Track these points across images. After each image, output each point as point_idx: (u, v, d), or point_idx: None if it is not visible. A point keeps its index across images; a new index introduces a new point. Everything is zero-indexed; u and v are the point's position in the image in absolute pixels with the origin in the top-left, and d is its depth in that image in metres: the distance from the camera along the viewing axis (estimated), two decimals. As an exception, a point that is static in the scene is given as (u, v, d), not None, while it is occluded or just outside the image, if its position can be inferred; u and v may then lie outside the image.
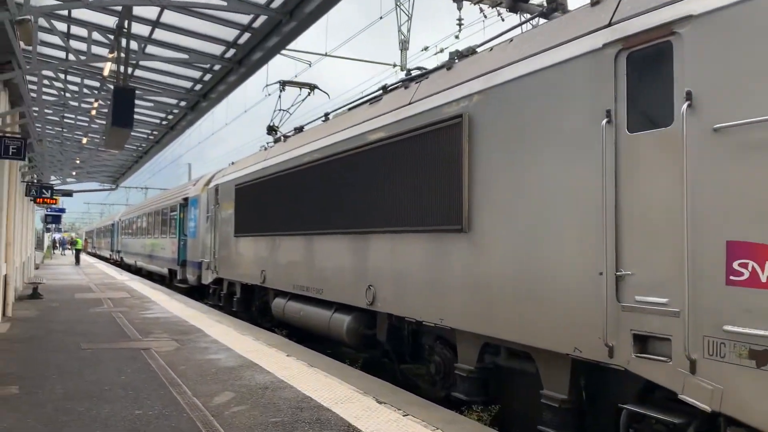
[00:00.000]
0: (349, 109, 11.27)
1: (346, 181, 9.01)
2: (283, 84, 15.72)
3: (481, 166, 6.15)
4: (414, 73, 8.82)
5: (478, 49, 7.26)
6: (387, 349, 8.43)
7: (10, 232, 12.78)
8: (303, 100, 16.06)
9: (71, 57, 8.90)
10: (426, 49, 18.65)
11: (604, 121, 4.74)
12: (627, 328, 4.54)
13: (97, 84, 11.69)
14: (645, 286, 4.45)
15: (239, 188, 14.32)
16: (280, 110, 16.10)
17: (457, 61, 7.34)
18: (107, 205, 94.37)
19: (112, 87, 11.29)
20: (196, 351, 9.47)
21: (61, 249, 66.06)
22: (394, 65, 16.20)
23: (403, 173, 7.53)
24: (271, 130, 16.22)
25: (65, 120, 14.82)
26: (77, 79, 11.23)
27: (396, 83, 9.01)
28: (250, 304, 14.52)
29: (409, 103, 7.67)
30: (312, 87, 15.88)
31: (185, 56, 8.77)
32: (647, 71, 4.56)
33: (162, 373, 7.94)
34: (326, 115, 11.93)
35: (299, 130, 13.06)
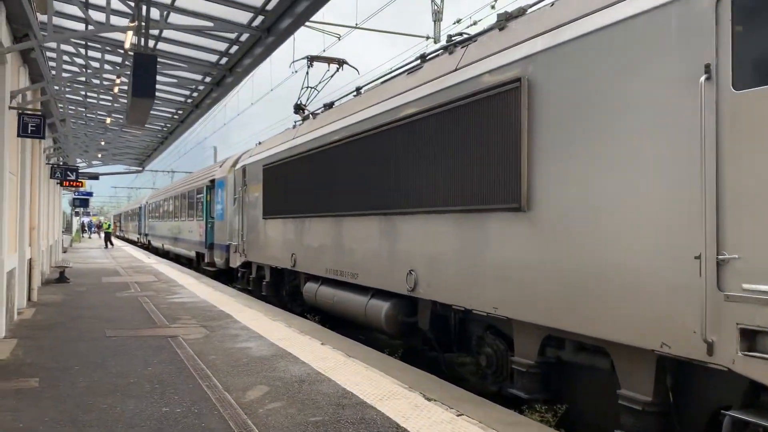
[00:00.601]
0: (383, 82, 10.60)
1: (383, 158, 8.36)
2: (311, 59, 15.07)
3: (544, 136, 5.45)
4: (457, 39, 8.11)
5: (531, 10, 6.52)
6: (429, 338, 7.82)
7: (34, 216, 12.40)
8: (331, 77, 15.39)
9: (90, 28, 8.33)
10: (459, 21, 17.81)
11: (703, 78, 4.01)
12: (732, 321, 3.84)
13: (118, 59, 11.14)
14: (755, 272, 3.75)
15: (267, 169, 13.76)
16: (307, 87, 15.46)
17: (508, 22, 6.60)
18: (134, 188, 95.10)
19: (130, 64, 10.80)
20: (226, 339, 8.96)
21: (89, 232, 66.69)
22: (427, 37, 15.41)
23: (448, 147, 6.85)
24: (299, 108, 15.60)
25: (88, 99, 14.35)
26: (98, 54, 10.70)
27: (438, 49, 8.31)
28: (280, 288, 14.03)
29: (455, 70, 6.97)
30: (341, 62, 15.20)
31: (210, 24, 8.17)
32: (760, 15, 3.81)
33: (190, 363, 7.43)
34: (358, 89, 11.27)
35: (329, 106, 12.42)
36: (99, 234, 66.58)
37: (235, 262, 17.09)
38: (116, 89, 11.95)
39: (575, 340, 5.31)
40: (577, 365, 5.47)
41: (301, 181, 11.47)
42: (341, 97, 12.92)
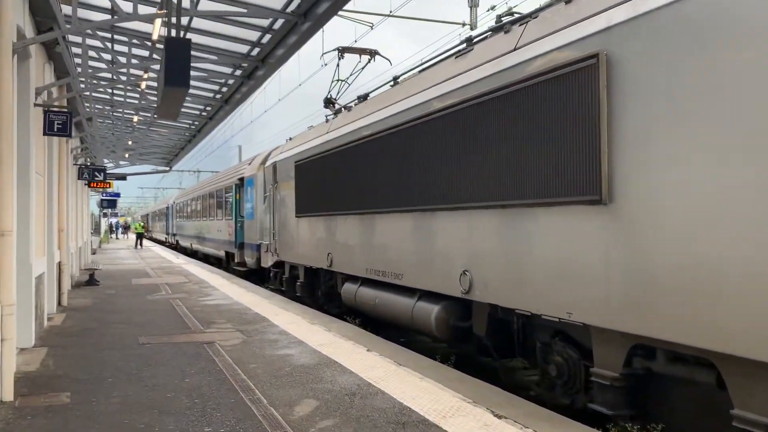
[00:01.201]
0: (421, 70, 10.00)
1: (430, 149, 7.76)
2: (342, 51, 14.50)
3: (628, 118, 4.79)
4: (508, 19, 7.47)
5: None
6: (486, 344, 7.20)
7: (62, 218, 12.03)
8: (363, 68, 14.82)
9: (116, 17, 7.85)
10: (493, 8, 17.12)
11: None
12: None
13: (146, 53, 10.67)
14: None
15: (299, 165, 13.23)
16: (338, 80, 14.91)
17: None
18: (160, 189, 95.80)
19: (159, 59, 10.33)
20: (265, 345, 8.45)
21: (117, 233, 67.13)
22: (463, 24, 14.74)
23: (507, 134, 6.22)
24: (329, 102, 15.06)
25: (114, 97, 13.94)
26: (124, 48, 10.24)
27: (486, 31, 7.67)
28: (315, 289, 13.51)
29: (515, 49, 6.33)
30: (373, 53, 14.60)
31: (243, 10, 7.64)
32: None
33: (230, 373, 6.92)
34: (395, 78, 10.68)
35: (363, 98, 11.84)
36: (126, 235, 67.07)
37: (267, 262, 16.62)
38: (143, 85, 11.50)
39: (669, 350, 4.66)
40: (672, 378, 4.81)
41: (338, 177, 10.91)
42: (375, 89, 12.36)
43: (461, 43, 8.43)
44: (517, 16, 7.14)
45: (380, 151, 9.18)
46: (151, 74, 10.89)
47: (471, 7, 14.06)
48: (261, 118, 34.13)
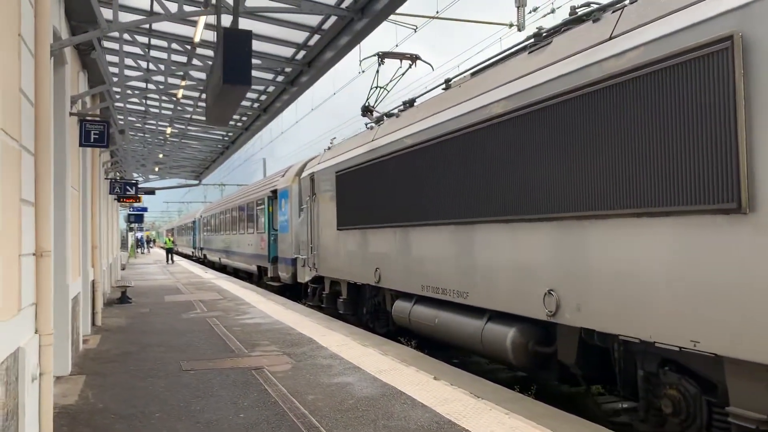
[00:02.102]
0: (474, 73, 9.30)
1: (503, 154, 7.02)
2: (383, 56, 13.87)
3: (778, 110, 4.01)
4: (584, 10, 6.73)
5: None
6: (575, 373, 6.40)
7: (95, 234, 11.48)
8: (403, 74, 14.16)
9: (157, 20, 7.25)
10: (535, 10, 16.38)
11: None
12: None
13: (184, 59, 10.10)
14: None
15: (341, 175, 12.55)
16: (376, 87, 14.27)
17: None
18: (185, 203, 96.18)
19: (199, 64, 9.73)
20: (319, 371, 7.72)
21: (143, 248, 67.06)
22: (510, 25, 14.02)
23: (603, 134, 5.47)
24: (367, 110, 14.42)
25: (149, 108, 13.41)
26: (162, 55, 9.66)
27: (564, 23, 6.94)
28: (358, 306, 12.79)
29: (609, 39, 5.58)
30: (414, 58, 13.95)
31: (295, 6, 6.99)
32: None
33: (287, 406, 6.20)
34: (447, 81, 9.98)
35: (409, 104, 11.15)
36: (148, 250, 66.95)
37: (304, 277, 15.94)
38: (180, 93, 10.94)
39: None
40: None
41: (387, 187, 10.20)
42: (423, 93, 11.69)
43: (529, 38, 7.72)
44: (605, 3, 6.39)
45: (438, 157, 8.46)
46: (190, 81, 10.31)
47: (518, 7, 13.33)
48: (283, 134, 33.52)
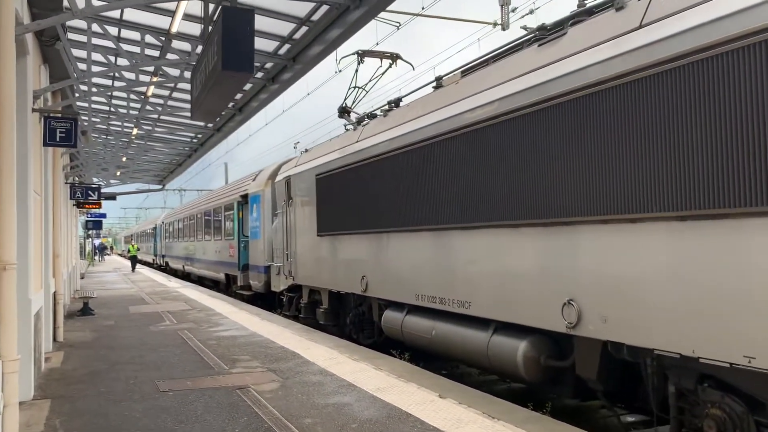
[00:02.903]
0: (464, 71, 8.86)
1: (516, 153, 6.55)
2: (362, 54, 13.34)
3: None
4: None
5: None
6: (594, 388, 5.95)
7: (57, 242, 10.62)
8: (383, 74, 13.65)
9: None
10: (514, 11, 16.06)
11: None
12: None
13: (156, 53, 9.37)
14: None
15: (322, 178, 11.95)
16: (354, 87, 13.73)
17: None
18: (144, 209, 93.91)
19: (175, 58, 9.03)
20: (311, 390, 7.11)
21: (99, 256, 64.86)
22: (495, 24, 13.64)
23: (634, 129, 5.04)
24: (344, 111, 13.88)
25: (117, 108, 12.54)
26: (135, 49, 8.93)
27: (573, 15, 6.52)
28: (339, 316, 12.19)
29: (639, 27, 5.15)
30: (395, 57, 13.46)
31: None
32: None
33: (284, 433, 5.59)
34: (438, 79, 9.51)
35: (395, 103, 10.65)
36: (102, 257, 64.64)
37: (279, 285, 15.25)
38: (150, 91, 10.19)
39: None
40: None
41: (375, 190, 9.65)
42: (409, 93, 11.21)
43: (532, 32, 7.29)
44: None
45: (437, 157, 7.96)
46: (161, 78, 9.58)
47: (502, 6, 12.95)
48: (243, 137, 32.59)
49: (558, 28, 6.76)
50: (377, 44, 13.82)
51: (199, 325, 13.05)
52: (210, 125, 14.03)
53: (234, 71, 4.18)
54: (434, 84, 9.62)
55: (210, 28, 5.05)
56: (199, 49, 8.79)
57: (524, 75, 6.47)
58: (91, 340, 11.37)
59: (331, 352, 9.42)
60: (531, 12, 15.93)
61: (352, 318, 11.30)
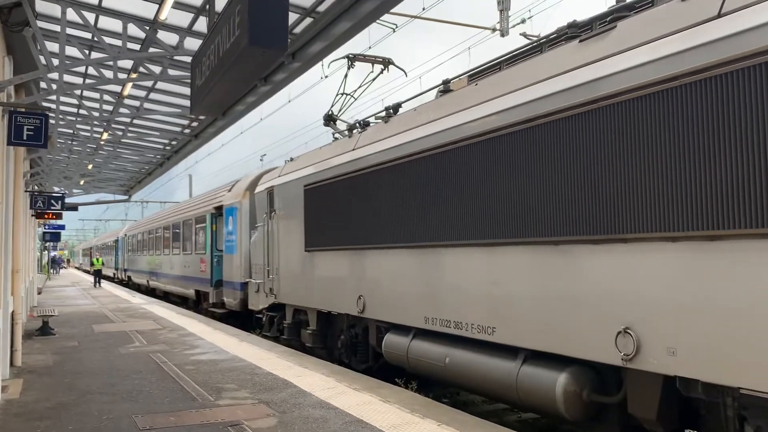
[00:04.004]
0: (472, 76, 8.23)
1: (546, 161, 5.84)
2: (353, 59, 12.60)
3: None
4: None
5: None
6: (650, 429, 5.21)
7: (18, 257, 9.52)
8: (373, 80, 12.94)
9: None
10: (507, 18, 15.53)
11: None
12: None
13: (137, 47, 8.43)
14: None
15: (311, 189, 11.10)
16: (343, 94, 12.99)
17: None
18: (104, 221, 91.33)
19: (159, 51, 8.13)
20: (315, 428, 6.22)
21: (56, 269, 62.29)
22: (494, 30, 13.05)
23: (715, 131, 4.38)
24: (330, 119, 13.12)
25: (90, 111, 11.44)
26: (117, 41, 7.99)
27: (613, 9, 5.91)
28: (328, 338, 11.30)
29: (718, 16, 4.50)
30: (387, 62, 12.77)
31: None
32: None
33: (296, 485, 4.70)
34: (445, 82, 8.83)
35: (394, 110, 9.90)
36: (57, 271, 62.04)
37: (258, 304, 14.26)
38: (127, 89, 9.23)
39: None
40: None
41: (378, 202, 8.84)
42: (408, 99, 10.53)
43: (562, 30, 6.66)
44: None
45: (455, 165, 7.20)
46: (148, 66, 8.63)
47: (501, 11, 12.37)
48: (204, 150, 31.47)
49: (600, 22, 6.14)
50: (370, 48, 13.07)
51: (173, 347, 11.99)
52: (187, 131, 13.06)
53: (264, 47, 3.35)
54: (441, 88, 8.95)
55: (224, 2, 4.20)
56: (187, 41, 7.93)
57: (569, 72, 5.77)
58: (54, 364, 10.23)
59: (327, 380, 8.52)
60: (523, 21, 15.45)
61: (344, 341, 10.43)
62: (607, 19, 6.08)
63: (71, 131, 13.30)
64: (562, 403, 5.71)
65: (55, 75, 8.09)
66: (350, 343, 10.30)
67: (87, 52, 8.46)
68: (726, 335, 4.33)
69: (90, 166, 17.41)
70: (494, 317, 6.59)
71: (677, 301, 4.67)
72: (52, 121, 10.84)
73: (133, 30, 7.67)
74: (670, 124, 4.72)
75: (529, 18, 15.68)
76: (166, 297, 26.48)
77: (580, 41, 5.96)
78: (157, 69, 8.87)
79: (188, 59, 7.52)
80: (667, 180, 4.74)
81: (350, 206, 9.63)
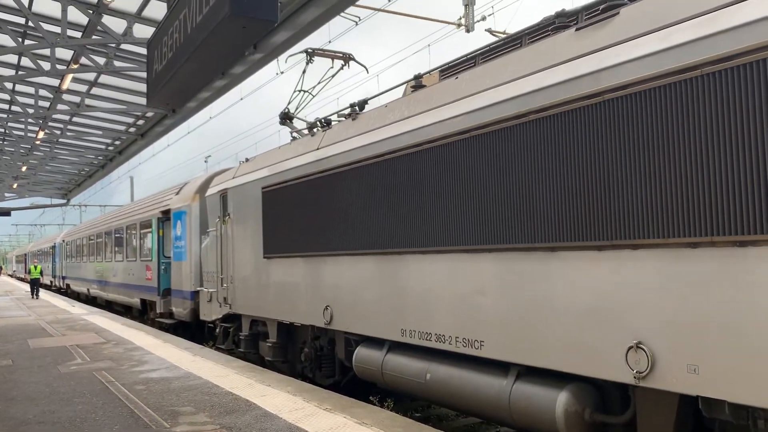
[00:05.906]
0: (451, 67, 7.77)
1: (555, 159, 5.36)
2: (311, 53, 11.99)
3: None
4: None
5: None
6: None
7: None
8: (332, 77, 12.35)
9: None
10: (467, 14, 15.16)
11: None
12: None
13: (78, 34, 7.57)
14: None
15: (270, 191, 10.40)
16: (300, 91, 12.34)
17: None
18: (39, 225, 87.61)
19: (115, 32, 7.30)
20: (290, 459, 5.56)
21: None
22: (459, 25, 12.59)
23: (748, 123, 3.97)
24: (287, 118, 12.46)
25: (25, 107, 10.42)
26: (55, 29, 7.13)
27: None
28: (289, 351, 10.61)
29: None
30: (347, 58, 12.21)
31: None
32: None
33: None
34: (417, 77, 8.34)
35: (360, 106, 9.33)
36: None
37: (210, 314, 13.41)
38: (67, 81, 8.34)
39: None
40: None
41: (347, 204, 8.23)
42: (376, 95, 10.02)
43: (549, 20, 6.22)
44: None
45: (438, 163, 6.66)
46: (92, 56, 7.77)
47: (465, 6, 11.93)
48: (145, 154, 30.09)
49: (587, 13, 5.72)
50: (330, 42, 12.46)
51: (120, 363, 11.05)
52: (132, 130, 12.12)
53: (249, 16, 2.69)
54: (412, 84, 8.43)
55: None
56: (136, 28, 7.14)
57: (571, 60, 5.29)
58: (-17, 388, 9.20)
59: (294, 399, 7.84)
60: (483, 18, 15.10)
61: (308, 354, 9.76)
62: (603, 5, 5.66)
63: (2, 130, 12.15)
64: (563, 424, 5.23)
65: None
66: (315, 356, 9.65)
67: (21, 39, 7.55)
68: (756, 350, 3.91)
69: (24, 168, 16.13)
70: (482, 330, 6.06)
71: (699, 313, 4.24)
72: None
73: (75, 15, 6.83)
74: (690, 119, 4.29)
75: (490, 15, 15.39)
76: (109, 306, 25.13)
77: (576, 30, 5.50)
78: (101, 60, 8.02)
79: (138, 49, 6.74)
80: (688, 181, 4.31)
81: (315, 209, 8.99)
